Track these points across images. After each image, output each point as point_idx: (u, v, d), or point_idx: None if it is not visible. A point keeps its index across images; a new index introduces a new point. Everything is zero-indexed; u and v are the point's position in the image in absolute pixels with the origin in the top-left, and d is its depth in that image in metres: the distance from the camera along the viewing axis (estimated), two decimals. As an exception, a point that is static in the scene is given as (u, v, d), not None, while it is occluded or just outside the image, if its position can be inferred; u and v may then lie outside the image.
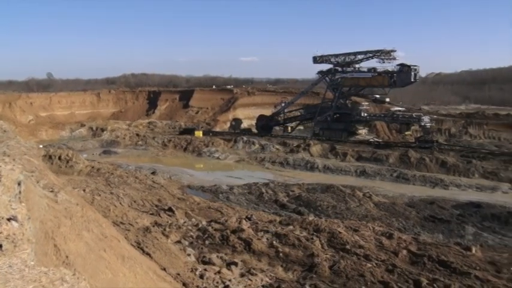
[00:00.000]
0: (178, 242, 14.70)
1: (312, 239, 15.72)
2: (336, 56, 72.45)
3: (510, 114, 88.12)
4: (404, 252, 15.61)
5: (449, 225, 31.75)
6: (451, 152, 59.07)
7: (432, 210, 35.96)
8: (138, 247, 12.47)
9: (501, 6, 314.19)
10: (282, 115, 79.69)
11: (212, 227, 16.48)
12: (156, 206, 25.96)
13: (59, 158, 43.14)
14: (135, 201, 26.30)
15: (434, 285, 12.63)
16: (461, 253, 16.42)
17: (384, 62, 67.88)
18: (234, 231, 15.88)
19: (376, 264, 13.99)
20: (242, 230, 15.97)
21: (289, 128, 78.59)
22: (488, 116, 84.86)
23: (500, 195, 44.25)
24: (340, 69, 72.42)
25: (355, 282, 12.56)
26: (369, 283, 12.50)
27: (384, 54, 67.14)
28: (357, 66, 71.26)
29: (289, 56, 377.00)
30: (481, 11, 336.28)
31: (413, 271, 13.77)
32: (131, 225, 15.98)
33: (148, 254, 12.06)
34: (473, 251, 17.03)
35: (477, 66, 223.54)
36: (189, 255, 13.38)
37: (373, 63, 69.88)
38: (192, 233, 15.81)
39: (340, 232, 16.71)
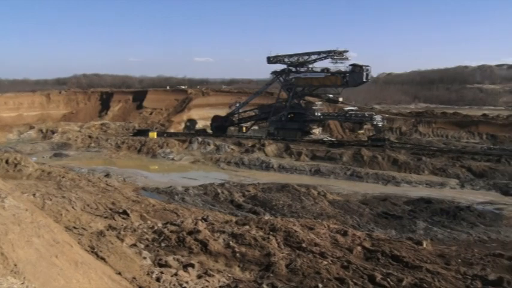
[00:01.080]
0: (134, 245, 14.46)
1: (268, 238, 15.79)
2: (290, 56, 73.13)
3: (457, 112, 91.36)
4: (359, 248, 15.89)
5: (402, 220, 32.60)
6: (402, 149, 60.66)
7: (385, 206, 36.82)
8: (92, 252, 12.20)
9: (447, 6, 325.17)
10: (236, 115, 79.80)
11: (168, 229, 16.29)
12: (110, 209, 25.44)
13: (6, 162, 41.52)
14: (88, 205, 25.68)
15: (388, 279, 12.91)
16: (413, 247, 16.87)
17: (336, 62, 69.08)
18: (190, 233, 15.75)
19: (331, 261, 14.18)
20: (198, 231, 15.86)
21: (244, 128, 78.78)
22: (436, 115, 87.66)
23: (448, 191, 45.83)
24: (293, 69, 73.21)
25: (312, 279, 12.69)
26: (325, 280, 12.64)
27: (336, 54, 68.27)
28: (310, 66, 72.19)
29: (244, 56, 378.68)
30: (426, 11, 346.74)
31: (367, 267, 14.04)
32: (84, 229, 15.62)
33: (102, 259, 11.81)
34: (424, 245, 17.53)
35: (425, 66, 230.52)
36: (144, 258, 13.19)
37: (326, 63, 71.00)
38: (147, 236, 15.59)
39: (296, 231, 16.85)
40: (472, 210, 35.77)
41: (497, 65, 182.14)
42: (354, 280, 12.76)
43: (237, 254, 14.32)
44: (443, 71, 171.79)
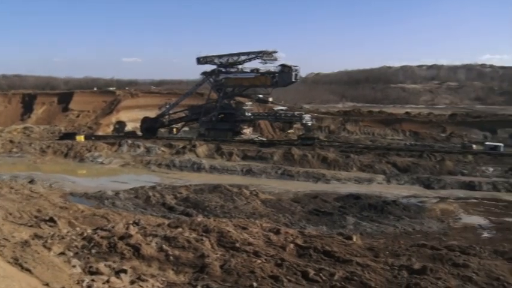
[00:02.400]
0: (62, 253, 13.94)
1: (202, 239, 15.72)
2: (220, 57, 73.16)
3: (382, 111, 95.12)
4: (292, 246, 16.13)
5: (332, 217, 33.53)
6: (331, 147, 62.25)
7: (316, 204, 37.67)
8: (16, 263, 11.64)
9: (370, 7, 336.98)
10: (166, 117, 78.73)
11: (98, 235, 15.84)
12: (36, 217, 24.38)
13: None
14: (10, 214, 24.47)
15: (321, 274, 13.20)
16: (343, 242, 17.35)
17: (266, 63, 69.82)
18: (121, 238, 15.39)
19: (265, 259, 14.32)
20: (130, 236, 15.53)
21: (175, 130, 78.02)
22: (363, 113, 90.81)
23: (375, 186, 47.62)
24: (223, 69, 73.23)
25: (246, 279, 12.77)
26: (259, 278, 12.75)
27: (266, 55, 68.98)
28: (240, 66, 72.48)
29: (173, 56, 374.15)
30: (351, 11, 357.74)
31: (300, 263, 14.28)
32: (7, 240, 14.85)
33: (28, 270, 11.30)
34: (354, 240, 18.08)
35: (352, 67, 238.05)
36: (74, 266, 12.75)
37: (256, 63, 71.51)
38: (76, 243, 15.07)
39: (229, 231, 16.89)
40: (398, 204, 37.46)
41: (418, 66, 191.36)
42: (288, 277, 12.96)
43: (171, 257, 14.17)
44: (368, 71, 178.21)
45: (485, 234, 30.49)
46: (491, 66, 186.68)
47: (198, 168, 55.04)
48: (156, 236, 16.06)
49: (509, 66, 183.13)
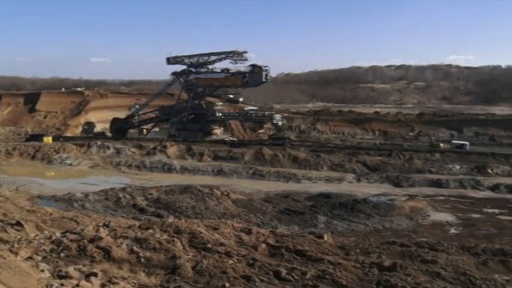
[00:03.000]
0: (30, 258, 13.65)
1: (173, 241, 15.62)
2: (190, 57, 72.83)
3: (351, 111, 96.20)
4: (263, 245, 16.17)
5: (303, 216, 33.75)
6: (302, 147, 62.65)
7: (287, 203, 37.85)
8: (-19, 269, 11.35)
9: (342, 7, 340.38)
10: (136, 117, 77.92)
11: (67, 238, 15.57)
12: (1, 221, 23.73)
13: None
14: (-25, 218, 23.85)
15: (293, 273, 13.27)
16: (315, 241, 17.48)
17: (236, 63, 69.77)
18: (91, 240, 15.16)
19: (237, 259, 14.33)
20: (100, 238, 15.32)
21: (145, 130, 77.25)
22: (333, 113, 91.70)
23: (346, 185, 48.15)
24: (194, 70, 72.91)
25: (219, 279, 12.75)
26: (231, 279, 12.75)
27: (236, 55, 68.99)
28: (210, 67, 72.29)
29: (143, 56, 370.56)
30: (322, 11, 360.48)
31: (272, 263, 14.33)
32: (-28, 245, 14.48)
33: (-6, 275, 11.02)
34: (325, 238, 18.24)
35: (322, 67, 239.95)
36: (42, 271, 12.50)
37: (226, 64, 71.41)
38: (45, 247, 14.77)
39: (200, 232, 16.82)
40: (368, 203, 37.95)
41: (387, 66, 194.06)
42: (260, 277, 12.99)
43: (142, 259, 14.03)
44: (338, 71, 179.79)
45: (453, 231, 31.16)
46: (457, 66, 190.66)
47: (168, 169, 54.68)
48: (126, 238, 15.89)
49: (474, 67, 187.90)
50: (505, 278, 15.03)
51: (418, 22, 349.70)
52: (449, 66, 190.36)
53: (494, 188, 46.80)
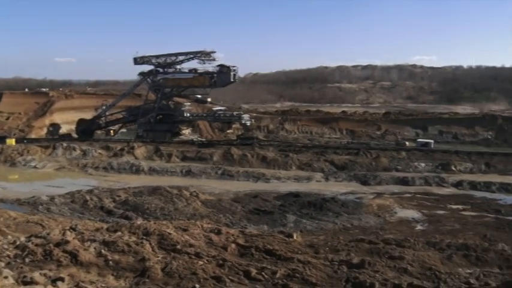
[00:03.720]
0: (-7, 263, 13.29)
1: (142, 243, 15.43)
2: (157, 57, 72.21)
3: (319, 110, 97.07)
4: (233, 245, 16.15)
5: (273, 215, 33.87)
6: (270, 147, 62.88)
7: (256, 203, 37.92)
8: None
9: (310, 7, 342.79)
10: (103, 118, 76.80)
11: (32, 243, 15.20)
12: (-37, 226, 23.12)
13: None
14: None
15: (263, 273, 13.28)
16: (284, 240, 17.56)
17: (204, 63, 69.69)
18: (58, 244, 14.84)
19: (207, 260, 14.25)
20: (67, 242, 15.01)
21: (112, 132, 76.25)
22: (301, 113, 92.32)
23: (314, 184, 48.57)
24: (161, 70, 72.32)
25: (188, 280, 12.66)
26: (201, 280, 12.67)
27: (204, 55, 68.84)
28: (178, 67, 71.88)
29: (109, 56, 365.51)
30: (290, 12, 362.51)
31: (242, 263, 14.32)
32: None
33: (-45, 282, 10.70)
34: (295, 237, 18.34)
35: (290, 67, 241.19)
36: (6, 277, 12.16)
37: (194, 64, 71.12)
38: (8, 252, 14.38)
39: (169, 233, 16.68)
40: (336, 201, 38.35)
41: (353, 66, 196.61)
42: (230, 277, 12.96)
43: (110, 262, 13.82)
44: (306, 71, 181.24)
45: (419, 227, 31.79)
46: (421, 66, 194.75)
47: (136, 170, 54.12)
48: (94, 241, 15.63)
49: (437, 67, 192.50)
50: (468, 271, 15.54)
51: (383, 23, 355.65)
52: (414, 66, 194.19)
53: (458, 184, 48.09)
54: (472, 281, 13.99)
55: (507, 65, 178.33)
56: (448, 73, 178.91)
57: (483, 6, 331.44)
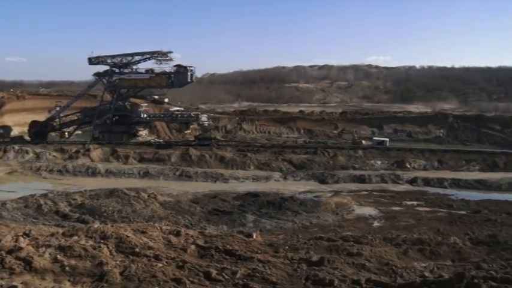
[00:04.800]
0: None
1: (99, 247, 15.14)
2: (113, 57, 70.93)
3: (277, 110, 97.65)
4: (193, 247, 16.07)
5: (232, 215, 33.92)
6: (229, 147, 62.91)
7: (215, 203, 37.88)
8: None
9: (267, 8, 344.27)
10: (57, 120, 74.79)
11: (-17, 250, 14.68)
12: None
13: None
14: None
15: (223, 273, 13.27)
16: (244, 240, 17.61)
17: (161, 63, 69.09)
18: (10, 252, 14.38)
19: (166, 262, 14.14)
20: (20, 249, 14.57)
21: (67, 134, 74.29)
22: (258, 113, 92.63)
23: (273, 183, 48.91)
24: (117, 70, 71.10)
25: (148, 284, 12.52)
26: (161, 282, 12.56)
27: (161, 55, 68.19)
28: (134, 67, 70.88)
29: (62, 56, 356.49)
30: (247, 12, 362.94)
31: (202, 264, 14.28)
32: None
33: None
34: (254, 237, 18.42)
35: (247, 67, 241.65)
36: (-45, 287, 11.73)
37: (150, 64, 70.33)
38: (-42, 260, 13.87)
39: (128, 236, 16.43)
40: (295, 200, 38.76)
41: (310, 66, 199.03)
42: (190, 279, 12.88)
43: (67, 268, 13.50)
44: (263, 71, 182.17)
45: (376, 224, 32.47)
46: (376, 66, 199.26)
47: (93, 172, 53.04)
48: (49, 246, 15.23)
49: (392, 67, 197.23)
50: (423, 265, 16.05)
51: (339, 23, 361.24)
52: (369, 66, 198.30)
53: (412, 181, 49.54)
54: (426, 274, 14.41)
55: (457, 66, 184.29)
56: (402, 73, 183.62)
57: (433, 6, 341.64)
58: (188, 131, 74.19)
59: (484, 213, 34.83)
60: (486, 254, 18.57)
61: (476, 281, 11.72)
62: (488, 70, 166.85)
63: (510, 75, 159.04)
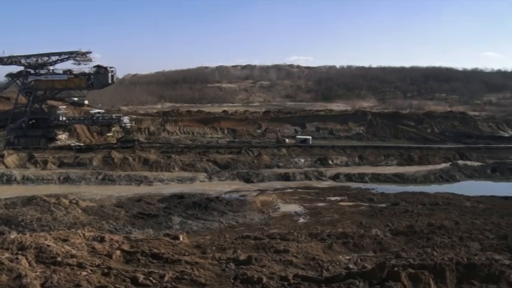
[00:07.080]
0: None
1: (17, 258, 14.41)
2: (27, 57, 67.65)
3: (200, 110, 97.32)
4: (118, 252, 15.73)
5: (158, 218, 33.50)
6: (152, 149, 62.03)
7: (140, 207, 37.26)
8: None
9: (188, 8, 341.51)
10: (-34, 125, 70.39)
11: None
12: None
13: None
14: None
15: (150, 278, 13.10)
16: (170, 243, 17.47)
17: (80, 64, 66.91)
18: None
19: (91, 270, 13.73)
20: None
21: (-22, 139, 70.12)
22: (182, 113, 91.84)
23: (198, 184, 48.81)
24: (32, 71, 67.87)
25: (71, 293, 12.10)
26: (86, 291, 12.19)
27: (79, 55, 65.98)
28: (51, 68, 68.02)
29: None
30: (170, 12, 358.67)
31: (129, 269, 14.02)
32: None
33: None
34: (181, 239, 18.32)
35: (169, 67, 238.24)
36: None
37: (69, 65, 67.80)
38: None
39: (48, 245, 15.78)
40: (221, 200, 38.95)
41: (233, 66, 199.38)
42: (117, 285, 12.61)
43: (-19, 283, 12.75)
44: (186, 72, 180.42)
45: (301, 220, 33.23)
46: (298, 66, 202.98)
47: (8, 180, 50.27)
48: (-39, 261, 14.30)
49: (313, 67, 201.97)
50: (347, 257, 16.68)
51: (260, 24, 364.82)
52: (291, 66, 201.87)
53: (335, 177, 51.27)
54: (351, 266, 14.99)
55: (374, 65, 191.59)
56: (323, 73, 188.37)
57: (348, 7, 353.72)
58: (110, 134, 72.35)
59: (402, 205, 36.69)
60: (404, 243, 19.60)
61: (396, 269, 12.35)
62: (402, 70, 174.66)
63: (422, 74, 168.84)
